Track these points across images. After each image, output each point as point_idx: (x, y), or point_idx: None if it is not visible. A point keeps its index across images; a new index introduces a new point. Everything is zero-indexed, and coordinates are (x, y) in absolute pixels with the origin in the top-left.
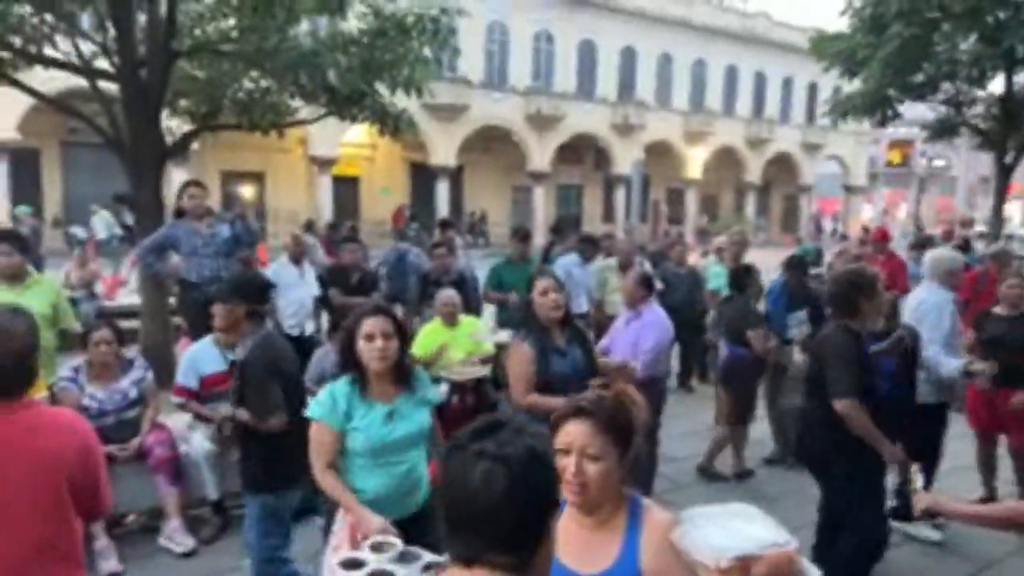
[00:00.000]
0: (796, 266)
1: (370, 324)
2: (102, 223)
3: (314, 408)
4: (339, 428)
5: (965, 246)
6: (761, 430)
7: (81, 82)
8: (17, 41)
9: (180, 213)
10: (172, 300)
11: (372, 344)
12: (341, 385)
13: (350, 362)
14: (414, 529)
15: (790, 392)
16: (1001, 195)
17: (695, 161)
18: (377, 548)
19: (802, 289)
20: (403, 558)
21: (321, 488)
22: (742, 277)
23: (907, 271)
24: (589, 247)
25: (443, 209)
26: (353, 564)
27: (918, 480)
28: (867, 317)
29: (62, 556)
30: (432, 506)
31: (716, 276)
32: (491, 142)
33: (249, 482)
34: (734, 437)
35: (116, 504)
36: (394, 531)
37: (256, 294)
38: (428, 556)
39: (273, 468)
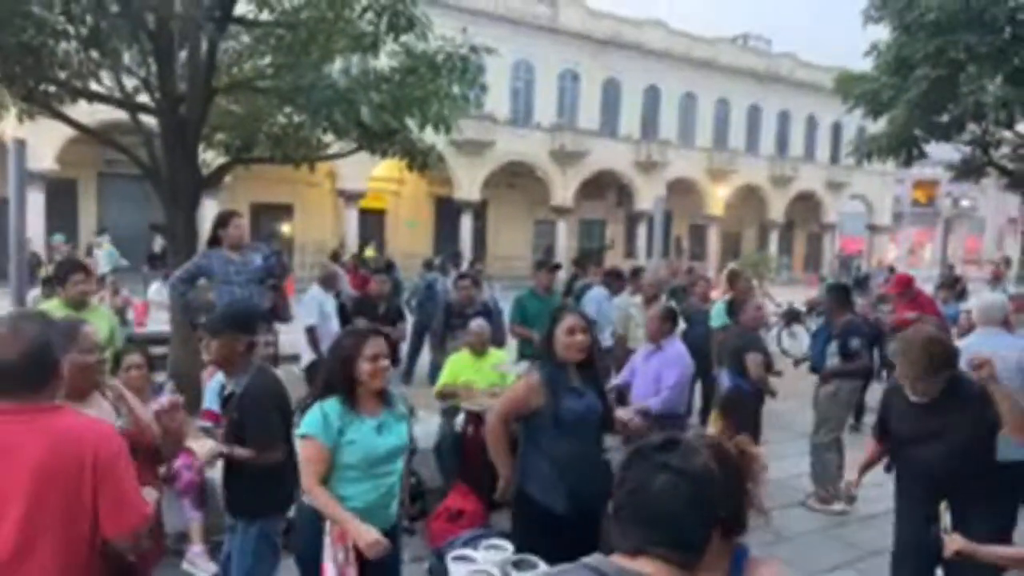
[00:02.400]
0: (835, 291)
1: (374, 345)
2: (106, 257)
3: (306, 426)
4: (331, 443)
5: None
6: (792, 469)
7: (122, 115)
8: (63, 76)
9: (214, 242)
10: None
11: (375, 364)
12: (331, 403)
13: (343, 379)
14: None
15: (822, 430)
16: None
17: (718, 198)
18: (491, 549)
19: (839, 315)
20: (519, 565)
21: (314, 503)
22: (736, 307)
23: (937, 308)
24: (616, 281)
25: (467, 242)
26: (463, 559)
27: (947, 519)
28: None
29: (68, 561)
30: (399, 522)
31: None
32: (515, 177)
33: (242, 509)
34: None
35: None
36: (386, 542)
37: (254, 325)
38: (544, 566)
39: (268, 494)
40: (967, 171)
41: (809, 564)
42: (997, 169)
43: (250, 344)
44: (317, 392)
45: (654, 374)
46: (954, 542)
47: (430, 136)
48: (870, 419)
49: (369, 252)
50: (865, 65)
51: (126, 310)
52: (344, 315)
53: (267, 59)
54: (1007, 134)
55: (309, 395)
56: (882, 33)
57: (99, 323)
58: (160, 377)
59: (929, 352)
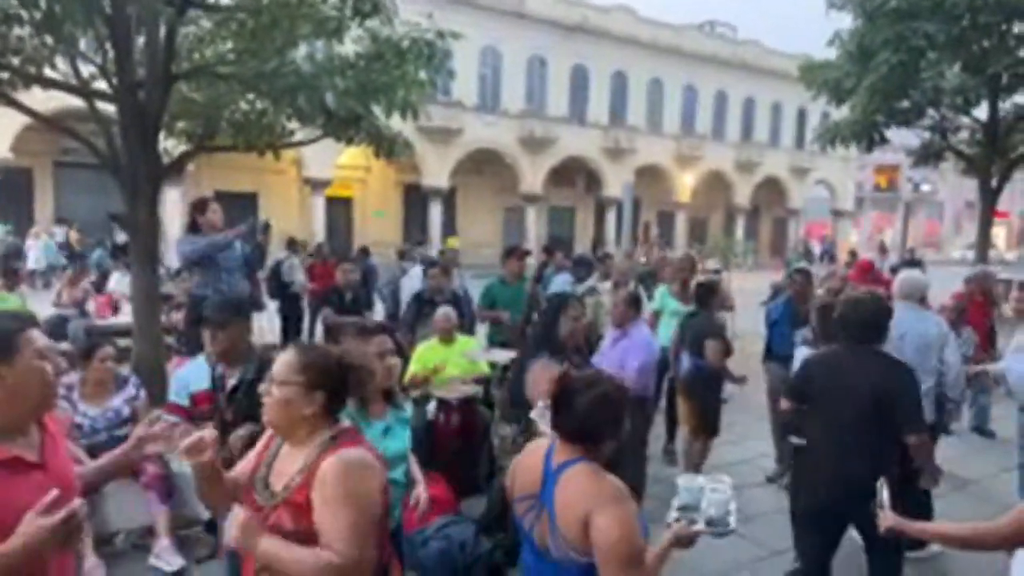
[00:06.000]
0: (800, 276)
1: (379, 342)
2: (41, 251)
3: None
4: None
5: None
6: (756, 449)
7: (78, 103)
8: (16, 62)
9: (194, 228)
10: (163, 319)
11: (384, 362)
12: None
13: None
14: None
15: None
16: (986, 220)
17: (685, 185)
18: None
19: (804, 304)
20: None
21: None
22: (705, 294)
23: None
24: (583, 268)
25: (436, 230)
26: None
27: (883, 495)
28: None
29: None
30: (399, 528)
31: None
32: (484, 164)
33: None
34: (700, 450)
35: (106, 522)
36: None
37: (248, 311)
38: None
39: None
40: (926, 156)
41: (773, 542)
42: (955, 154)
43: (247, 330)
44: None
45: (619, 359)
46: (887, 519)
47: (397, 123)
48: None
49: (452, 242)
50: (829, 53)
51: (85, 301)
52: (298, 306)
53: (228, 44)
54: (965, 120)
55: None
56: (845, 21)
57: None
58: (124, 370)
59: None
